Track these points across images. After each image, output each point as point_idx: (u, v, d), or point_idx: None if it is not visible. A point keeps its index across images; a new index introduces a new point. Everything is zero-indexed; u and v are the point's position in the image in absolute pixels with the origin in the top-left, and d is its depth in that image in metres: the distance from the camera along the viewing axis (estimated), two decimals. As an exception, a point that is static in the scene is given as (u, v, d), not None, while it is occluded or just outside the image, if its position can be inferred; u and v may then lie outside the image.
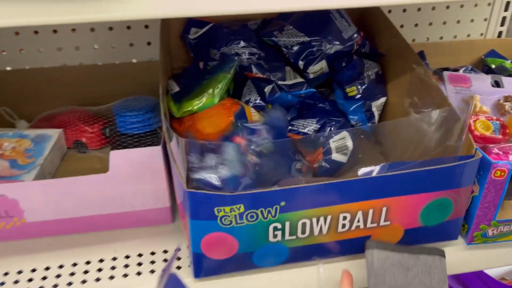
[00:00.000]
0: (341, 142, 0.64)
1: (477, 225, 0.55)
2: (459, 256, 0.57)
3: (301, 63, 0.69)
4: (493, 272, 0.95)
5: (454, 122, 0.52)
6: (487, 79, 0.74)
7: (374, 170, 0.50)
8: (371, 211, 0.49)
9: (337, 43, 0.68)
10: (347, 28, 0.70)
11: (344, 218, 0.49)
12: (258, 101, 0.67)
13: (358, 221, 0.50)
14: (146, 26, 0.80)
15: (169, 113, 0.65)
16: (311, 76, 0.69)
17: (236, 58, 0.66)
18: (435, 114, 0.52)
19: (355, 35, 0.70)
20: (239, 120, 0.63)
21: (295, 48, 0.69)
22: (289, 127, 0.64)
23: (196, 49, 0.72)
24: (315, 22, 0.69)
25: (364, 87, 0.69)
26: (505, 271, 0.98)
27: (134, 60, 0.82)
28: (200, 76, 0.67)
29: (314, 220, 0.49)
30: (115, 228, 0.58)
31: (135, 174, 0.54)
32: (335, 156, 0.63)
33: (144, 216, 0.58)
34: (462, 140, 0.52)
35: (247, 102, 0.67)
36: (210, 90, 0.65)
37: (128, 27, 0.79)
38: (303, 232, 0.49)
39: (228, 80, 0.65)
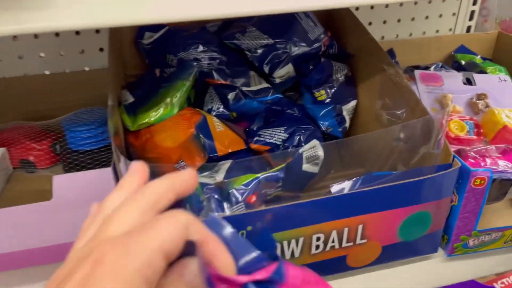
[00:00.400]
0: (311, 152, 0.59)
1: (457, 236, 0.52)
2: (439, 268, 0.54)
3: (266, 67, 0.64)
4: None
5: (430, 129, 0.48)
6: (459, 76, 0.72)
7: (347, 185, 0.46)
8: (346, 230, 0.45)
9: (304, 44, 0.64)
10: (313, 29, 0.65)
11: (318, 239, 0.45)
12: (221, 109, 0.62)
13: (333, 241, 0.46)
14: (97, 31, 0.73)
15: (124, 127, 0.59)
16: (278, 80, 0.65)
17: (195, 63, 0.61)
18: (411, 125, 0.48)
19: (322, 36, 0.66)
20: (201, 132, 0.58)
21: (259, 51, 0.64)
22: (256, 138, 0.59)
23: (151, 55, 0.66)
24: (280, 23, 0.65)
25: (333, 90, 0.65)
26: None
27: (86, 68, 0.75)
28: (156, 85, 0.61)
29: (285, 243, 0.44)
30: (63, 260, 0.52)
31: (83, 199, 0.48)
32: (306, 167, 0.59)
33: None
34: (440, 147, 0.48)
35: (209, 111, 0.62)
36: (168, 100, 0.59)
37: (77, 33, 0.72)
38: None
39: (187, 88, 0.60)
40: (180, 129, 0.58)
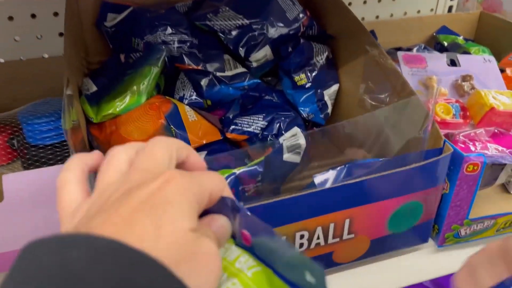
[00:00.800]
0: (292, 140, 0.55)
1: (449, 226, 0.49)
2: (430, 259, 0.51)
3: (241, 50, 0.59)
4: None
5: (418, 111, 0.45)
6: (443, 58, 0.69)
7: (331, 176, 0.42)
8: (332, 226, 0.41)
9: (281, 25, 0.59)
10: (291, 8, 0.61)
11: (302, 236, 0.41)
12: (194, 97, 0.57)
13: (318, 238, 0.42)
14: (56, 14, 0.67)
15: (86, 119, 0.54)
16: (254, 64, 0.60)
17: (163, 47, 0.56)
18: (396, 106, 0.44)
19: (301, 15, 0.61)
20: (172, 122, 0.53)
21: (234, 33, 0.59)
22: (232, 127, 0.54)
23: (115, 39, 0.60)
24: (255, 2, 0.60)
25: (314, 74, 0.61)
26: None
27: (45, 55, 0.69)
28: (121, 72, 0.56)
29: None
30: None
31: (38, 200, 0.42)
32: (287, 156, 0.54)
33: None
34: (428, 131, 0.45)
35: (181, 99, 0.57)
36: (135, 87, 0.54)
37: (33, 16, 0.66)
38: (254, 257, 0.41)
39: (155, 74, 0.55)
40: (148, 120, 0.53)
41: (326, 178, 0.43)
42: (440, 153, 0.44)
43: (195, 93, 0.57)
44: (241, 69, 0.58)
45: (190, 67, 0.57)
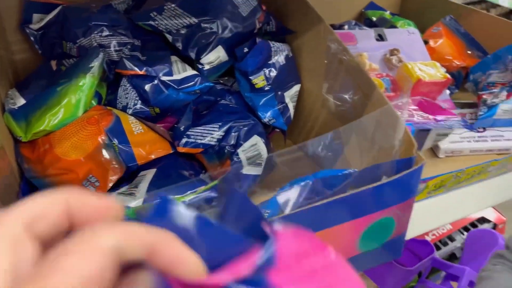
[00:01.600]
0: (252, 151, 0.50)
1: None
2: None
3: (192, 52, 0.53)
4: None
5: (389, 119, 0.41)
6: (371, 33, 0.70)
7: (293, 195, 0.38)
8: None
9: (235, 22, 0.54)
10: (244, 3, 0.55)
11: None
12: (139, 105, 0.51)
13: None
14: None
15: (14, 138, 0.47)
16: (207, 67, 0.54)
17: (100, 51, 0.49)
18: (367, 120, 0.40)
19: (256, 11, 0.56)
20: (114, 137, 0.47)
21: (182, 32, 0.53)
22: (185, 139, 0.48)
23: (44, 43, 0.52)
24: (204, -3, 0.54)
25: (273, 75, 0.56)
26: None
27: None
28: (53, 81, 0.49)
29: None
30: None
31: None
32: (248, 169, 0.49)
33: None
34: (400, 139, 0.41)
35: (124, 109, 0.51)
36: (70, 99, 0.47)
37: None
38: None
39: (92, 82, 0.48)
40: (87, 136, 0.46)
41: (288, 198, 0.38)
42: (412, 162, 0.40)
43: (139, 101, 0.51)
44: (191, 72, 0.53)
45: (133, 72, 0.50)
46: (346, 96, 0.55)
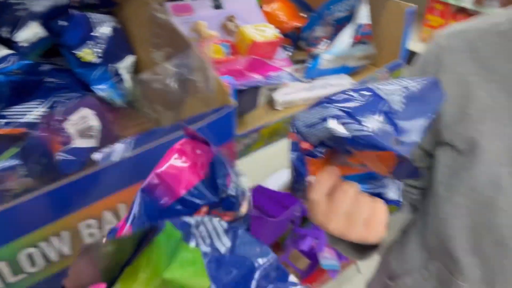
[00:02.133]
0: (82, 124, 0.49)
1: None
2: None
3: (3, 31, 0.50)
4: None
5: (196, 62, 0.43)
6: (207, 2, 0.72)
7: (117, 150, 0.38)
8: (122, 206, 0.37)
9: (46, -4, 0.51)
10: (56, -25, 0.53)
11: (89, 226, 0.36)
12: None
13: (109, 223, 0.38)
14: None
15: None
16: (25, 44, 0.52)
17: None
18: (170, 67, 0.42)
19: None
20: None
21: (-11, 11, 0.49)
22: (2, 120, 0.46)
23: None
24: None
25: (101, 47, 0.55)
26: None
27: None
28: None
29: (44, 244, 0.35)
30: None
31: None
32: (80, 142, 0.48)
33: None
34: (211, 86, 0.43)
35: None
36: None
37: None
38: (33, 264, 0.35)
39: None
40: None
41: (109, 152, 0.38)
42: (229, 109, 0.43)
43: None
44: (6, 51, 0.49)
45: None
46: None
